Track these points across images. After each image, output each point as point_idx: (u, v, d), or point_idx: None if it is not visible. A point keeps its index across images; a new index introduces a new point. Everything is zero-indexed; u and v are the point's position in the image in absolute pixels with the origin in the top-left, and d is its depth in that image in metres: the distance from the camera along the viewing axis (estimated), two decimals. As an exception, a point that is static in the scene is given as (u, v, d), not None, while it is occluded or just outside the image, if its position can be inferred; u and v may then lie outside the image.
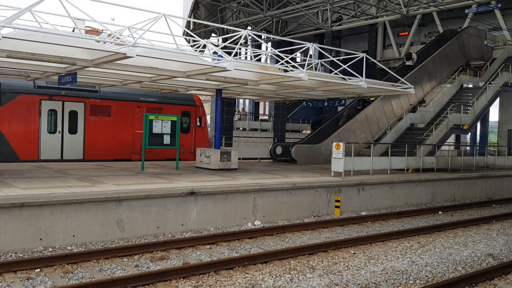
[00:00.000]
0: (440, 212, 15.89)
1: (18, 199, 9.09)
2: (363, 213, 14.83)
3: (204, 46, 15.01)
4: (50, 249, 9.23)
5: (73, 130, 19.25)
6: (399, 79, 17.97)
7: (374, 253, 10.01)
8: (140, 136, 19.17)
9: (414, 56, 24.44)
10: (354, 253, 9.92)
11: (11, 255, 8.75)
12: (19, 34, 9.70)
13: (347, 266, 8.90)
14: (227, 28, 26.66)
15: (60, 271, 8.00)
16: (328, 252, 9.87)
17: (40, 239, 9.30)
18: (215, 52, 14.83)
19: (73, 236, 9.68)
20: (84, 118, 19.48)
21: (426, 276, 8.43)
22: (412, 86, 17.86)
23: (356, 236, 11.40)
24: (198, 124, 22.99)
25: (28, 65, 13.04)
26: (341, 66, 15.11)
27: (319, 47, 15.31)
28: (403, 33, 33.24)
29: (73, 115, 19.25)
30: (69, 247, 9.48)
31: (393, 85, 17.85)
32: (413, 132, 22.69)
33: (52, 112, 18.83)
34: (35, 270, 7.96)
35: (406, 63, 24.61)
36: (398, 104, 23.03)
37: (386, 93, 19.55)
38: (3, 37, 9.05)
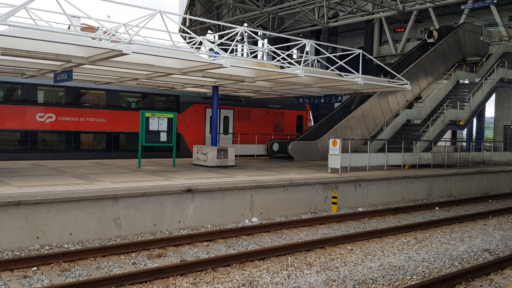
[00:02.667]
0: (436, 208, 15.95)
1: (15, 197, 9.06)
2: (360, 209, 14.86)
3: (200, 43, 14.95)
4: (47, 247, 9.21)
5: (226, 131, 23.81)
6: (396, 75, 17.98)
7: (371, 249, 10.04)
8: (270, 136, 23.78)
9: (435, 33, 25.00)
10: (351, 249, 9.94)
11: (7, 254, 8.73)
12: (14, 31, 9.63)
13: (344, 262, 8.92)
14: (223, 25, 26.60)
15: (57, 269, 7.98)
16: (325, 249, 9.89)
17: (37, 237, 9.27)
18: (211, 49, 14.79)
19: (70, 234, 9.66)
20: (233, 122, 24.07)
21: (423, 271, 8.46)
22: (409, 82, 17.87)
23: (353, 232, 11.43)
24: (310, 124, 27.77)
25: (24, 63, 12.97)
26: (338, 63, 15.10)
27: (316, 44, 15.28)
28: (400, 30, 33.26)
29: (225, 119, 23.84)
30: (66, 245, 9.46)
31: (389, 81, 17.86)
32: (410, 128, 22.73)
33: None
34: (32, 268, 7.95)
35: (428, 41, 25.25)
36: (394, 100, 23.05)
37: (383, 90, 19.55)
38: (-2, 34, 8.99)
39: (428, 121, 21.24)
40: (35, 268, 7.99)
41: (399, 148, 19.05)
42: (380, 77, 20.60)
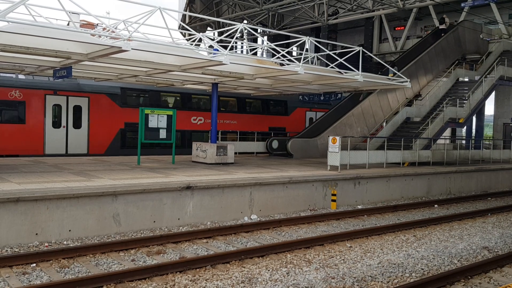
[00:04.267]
0: (435, 206, 15.96)
1: (14, 194, 9.05)
2: (359, 207, 14.87)
3: (200, 40, 14.94)
4: (46, 244, 9.21)
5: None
6: (396, 73, 17.96)
7: (370, 246, 10.05)
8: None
9: (447, 20, 25.41)
10: (350, 247, 9.95)
11: (6, 250, 8.73)
12: (13, 27, 9.61)
13: (343, 260, 8.92)
14: (223, 22, 26.53)
15: (56, 265, 7.98)
16: (325, 246, 9.90)
17: (36, 234, 9.27)
18: (211, 46, 14.76)
19: (69, 230, 9.66)
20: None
21: (422, 269, 8.47)
22: (408, 80, 17.87)
23: (352, 229, 11.43)
24: None
25: (23, 59, 12.95)
26: (337, 60, 15.08)
27: (315, 41, 15.26)
28: (399, 28, 33.22)
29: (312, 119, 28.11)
30: (65, 242, 9.45)
31: (389, 78, 17.85)
32: (409, 125, 22.71)
33: (311, 118, 28.30)
34: (31, 265, 7.94)
35: (440, 27, 25.81)
36: (394, 98, 23.02)
37: (382, 87, 19.55)
38: (-4, 30, 8.97)
39: (427, 119, 21.23)
40: (34, 264, 7.98)
41: (398, 146, 19.05)
42: (392, 67, 20.81)
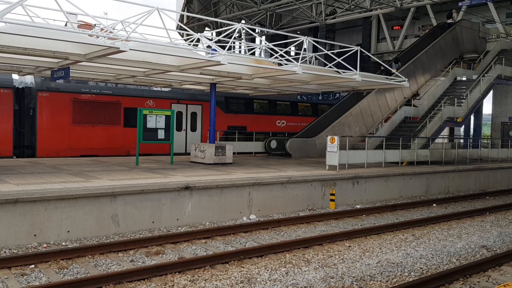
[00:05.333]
0: (434, 205, 15.98)
1: (12, 195, 9.03)
2: (358, 206, 14.88)
3: (198, 40, 14.93)
4: (45, 245, 9.19)
5: None
6: (394, 72, 17.99)
7: (369, 246, 10.05)
8: None
9: (455, 15, 25.91)
10: (349, 246, 9.95)
11: (5, 252, 8.71)
12: (10, 28, 9.59)
13: (342, 259, 8.93)
14: (220, 22, 26.53)
15: (55, 267, 7.97)
16: (323, 245, 9.90)
17: (35, 235, 9.25)
18: (209, 46, 14.75)
19: (68, 231, 9.65)
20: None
21: (421, 268, 8.48)
22: (406, 79, 17.89)
23: (351, 229, 11.44)
24: None
25: (21, 60, 12.93)
26: (335, 60, 15.09)
27: (313, 41, 15.26)
28: (397, 27, 33.26)
29: None
30: (63, 243, 9.44)
31: (387, 78, 17.87)
32: (408, 125, 22.74)
33: None
34: (30, 266, 7.93)
35: (448, 22, 26.23)
36: (392, 98, 23.05)
37: (380, 87, 19.57)
38: (-6, 31, 8.95)
39: (426, 118, 21.26)
40: (33, 266, 7.97)
41: (397, 145, 19.07)
42: (395, 64, 20.87)
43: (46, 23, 13.11)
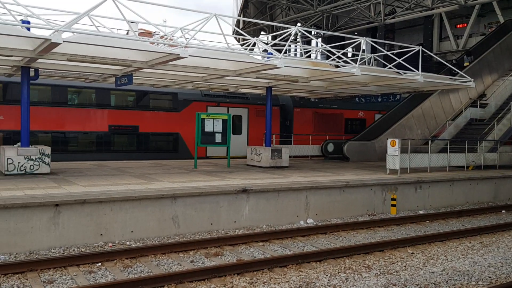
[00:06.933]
0: (503, 211, 15.05)
1: (80, 196, 9.50)
2: (421, 212, 14.31)
3: (254, 44, 15.05)
4: (110, 244, 9.58)
5: None
6: (458, 72, 17.18)
7: (433, 253, 9.62)
8: None
9: None
10: (412, 253, 9.58)
11: (74, 250, 9.16)
12: (78, 38, 10.11)
13: (404, 266, 8.61)
14: (276, 26, 26.59)
15: (120, 265, 8.27)
16: (385, 252, 9.59)
17: (101, 234, 9.67)
18: (265, 50, 14.82)
19: (131, 231, 10.00)
20: None
21: (490, 277, 7.99)
22: (472, 79, 17.01)
23: (413, 235, 11.01)
24: None
25: (87, 68, 13.59)
26: (395, 60, 14.64)
27: (372, 41, 14.90)
28: (461, 25, 31.77)
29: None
30: (127, 242, 9.79)
31: (451, 78, 17.09)
32: (473, 127, 21.63)
33: None
34: (97, 264, 8.28)
35: None
36: (456, 99, 22.04)
37: (444, 87, 18.73)
38: (64, 41, 9.48)
39: (493, 120, 20.11)
40: (100, 264, 8.32)
41: (462, 149, 18.17)
42: (467, 57, 19.97)
43: (111, 32, 13.75)
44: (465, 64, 17.28)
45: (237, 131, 23.32)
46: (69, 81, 17.59)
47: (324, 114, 25.99)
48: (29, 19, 11.21)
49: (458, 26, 32.13)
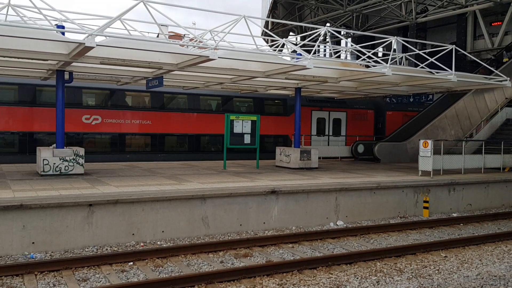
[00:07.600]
0: (543, 215, 14.49)
1: (113, 196, 9.71)
2: (455, 215, 13.95)
3: (283, 45, 15.02)
4: (142, 244, 9.75)
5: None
6: (493, 71, 16.67)
7: (468, 257, 9.36)
8: None
9: None
10: (445, 257, 9.34)
11: (106, 249, 9.36)
12: (110, 41, 10.35)
13: (437, 270, 8.40)
14: (305, 26, 26.50)
15: (151, 264, 8.40)
16: (417, 255, 9.39)
17: (133, 234, 9.85)
18: (294, 51, 14.76)
19: (162, 231, 10.14)
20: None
21: (529, 283, 7.71)
22: (508, 78, 16.47)
23: (447, 238, 10.75)
24: None
25: (118, 71, 13.87)
26: (428, 60, 14.33)
27: (403, 41, 14.63)
28: (496, 23, 30.80)
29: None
30: (158, 242, 9.94)
31: (486, 77, 16.60)
32: (510, 128, 20.94)
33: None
34: (129, 263, 8.43)
35: None
36: (492, 98, 21.38)
37: (478, 87, 18.21)
38: (97, 45, 9.71)
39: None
40: (131, 263, 8.47)
41: (497, 150, 17.61)
42: (506, 53, 19.39)
43: (142, 36, 14.00)
44: (504, 59, 16.70)
45: (336, 132, 24.82)
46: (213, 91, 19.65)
47: (408, 115, 26.77)
48: (64, 23, 11.52)
49: (493, 24, 31.15)
